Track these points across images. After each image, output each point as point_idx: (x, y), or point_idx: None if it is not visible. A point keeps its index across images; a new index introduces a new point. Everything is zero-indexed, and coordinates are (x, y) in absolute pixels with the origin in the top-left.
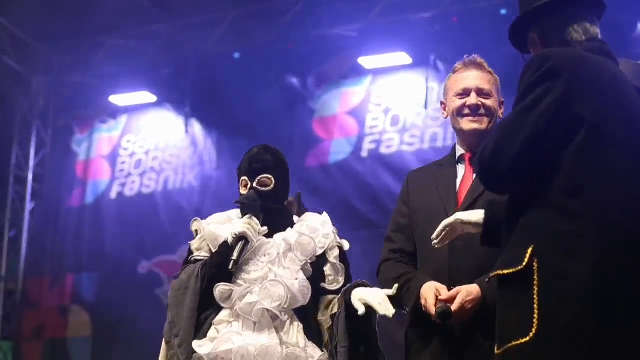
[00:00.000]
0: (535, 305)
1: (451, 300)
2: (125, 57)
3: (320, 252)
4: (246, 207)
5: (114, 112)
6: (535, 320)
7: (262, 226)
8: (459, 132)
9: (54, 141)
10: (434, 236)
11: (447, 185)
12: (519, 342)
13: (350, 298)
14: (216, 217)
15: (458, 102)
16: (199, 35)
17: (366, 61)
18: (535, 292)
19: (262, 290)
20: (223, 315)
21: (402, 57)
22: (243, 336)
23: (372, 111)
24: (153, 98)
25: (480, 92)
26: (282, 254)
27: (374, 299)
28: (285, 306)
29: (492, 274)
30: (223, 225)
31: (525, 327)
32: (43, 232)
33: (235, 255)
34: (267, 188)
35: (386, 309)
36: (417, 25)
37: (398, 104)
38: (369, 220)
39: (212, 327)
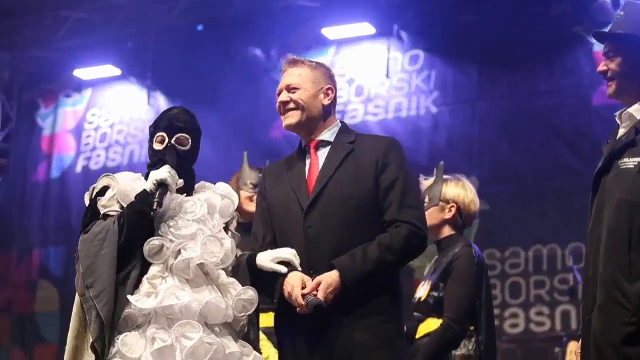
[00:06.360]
0: None
1: (313, 291)
2: (89, 31)
3: (230, 217)
4: (168, 159)
5: (79, 86)
6: None
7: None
8: None
9: (19, 116)
10: None
11: (297, 175)
12: None
13: (254, 267)
14: (123, 175)
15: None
16: (163, 8)
17: (329, 32)
18: None
19: (201, 246)
20: (155, 270)
21: (365, 28)
22: (186, 292)
23: (337, 81)
24: (117, 71)
25: (288, 88)
26: (206, 213)
27: (288, 255)
28: (220, 264)
29: None
30: (133, 183)
31: None
32: (9, 207)
33: (157, 198)
34: (184, 147)
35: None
36: None
37: (362, 74)
38: None
39: (145, 282)
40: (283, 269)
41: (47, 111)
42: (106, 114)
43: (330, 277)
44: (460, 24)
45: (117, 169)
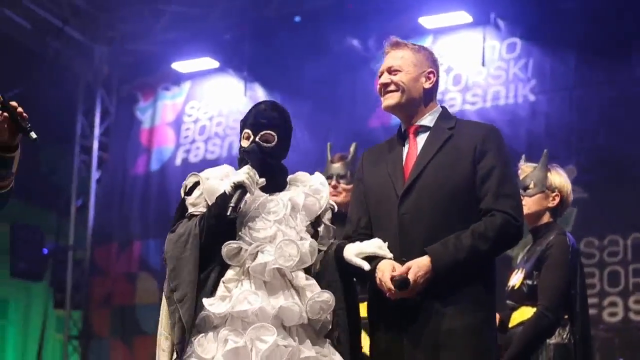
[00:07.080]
0: None
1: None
2: (186, 24)
3: (319, 213)
4: (249, 159)
5: (177, 79)
6: None
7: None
8: None
9: (118, 109)
10: None
11: (395, 161)
12: None
13: (342, 258)
14: (213, 172)
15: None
16: None
17: (427, 21)
18: None
19: (276, 250)
20: (231, 273)
21: (462, 16)
22: (259, 296)
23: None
24: (215, 64)
25: (390, 70)
26: (288, 213)
27: (373, 249)
28: (300, 264)
29: None
30: (221, 180)
31: None
32: (109, 200)
33: (233, 202)
34: (269, 144)
35: (388, 252)
36: None
37: (459, 63)
38: None
39: (222, 285)
40: (366, 265)
41: (146, 104)
42: (205, 107)
43: (422, 262)
44: (557, 11)
45: (216, 162)
